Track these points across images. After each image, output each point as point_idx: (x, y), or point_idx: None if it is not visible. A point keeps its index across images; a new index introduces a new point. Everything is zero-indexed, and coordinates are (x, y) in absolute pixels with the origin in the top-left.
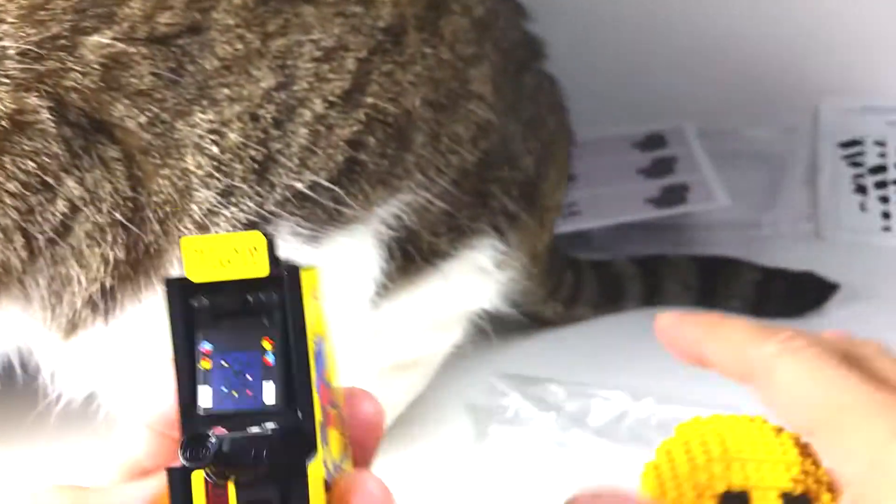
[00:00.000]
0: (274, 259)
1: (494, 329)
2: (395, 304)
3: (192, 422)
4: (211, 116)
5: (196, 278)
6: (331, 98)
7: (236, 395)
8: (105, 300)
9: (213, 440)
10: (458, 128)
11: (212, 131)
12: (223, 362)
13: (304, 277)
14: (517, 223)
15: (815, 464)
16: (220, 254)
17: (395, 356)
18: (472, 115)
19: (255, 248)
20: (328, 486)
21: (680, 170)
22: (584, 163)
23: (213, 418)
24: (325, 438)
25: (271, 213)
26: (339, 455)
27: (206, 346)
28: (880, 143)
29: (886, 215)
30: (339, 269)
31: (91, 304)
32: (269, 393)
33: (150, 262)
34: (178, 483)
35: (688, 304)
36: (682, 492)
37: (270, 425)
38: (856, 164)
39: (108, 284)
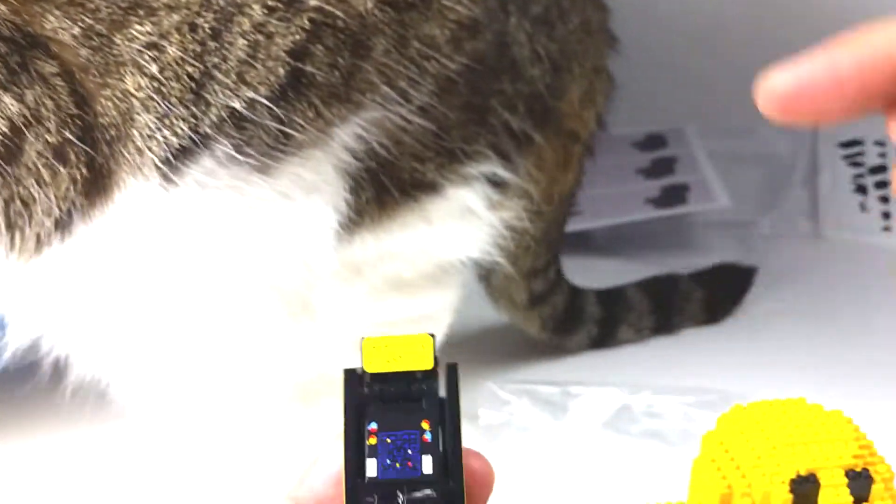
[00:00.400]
0: (435, 355)
1: (483, 337)
2: (374, 248)
3: (358, 488)
4: (149, 28)
5: (371, 369)
6: (270, 3)
7: (398, 465)
8: (68, 220)
9: (400, 499)
10: (432, 29)
11: (150, 45)
12: (387, 439)
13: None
14: (528, 146)
15: (867, 438)
16: (393, 350)
17: (383, 314)
18: (449, 11)
19: (422, 347)
20: None
21: (680, 170)
22: None
23: (378, 485)
24: None
25: (206, 135)
26: None
27: (373, 426)
28: (880, 144)
29: (886, 215)
30: (298, 206)
31: (56, 223)
32: (427, 464)
33: (103, 181)
34: None
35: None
36: (751, 481)
37: (429, 491)
38: (856, 164)
39: (78, 203)
